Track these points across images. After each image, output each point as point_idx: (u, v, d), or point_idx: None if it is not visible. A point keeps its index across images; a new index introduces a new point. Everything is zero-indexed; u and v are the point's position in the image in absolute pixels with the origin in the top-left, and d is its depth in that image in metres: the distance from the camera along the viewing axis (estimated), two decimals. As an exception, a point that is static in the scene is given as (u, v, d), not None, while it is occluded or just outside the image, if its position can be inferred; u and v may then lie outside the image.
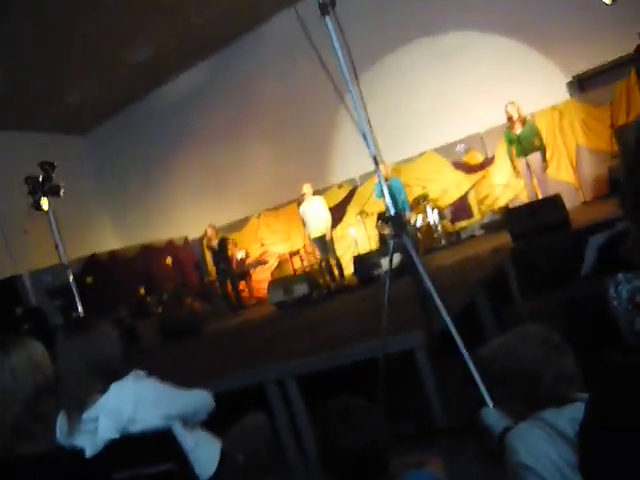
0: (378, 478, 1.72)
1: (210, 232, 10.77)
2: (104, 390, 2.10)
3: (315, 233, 9.86)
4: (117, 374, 2.14)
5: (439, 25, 10.73)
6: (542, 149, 8.47)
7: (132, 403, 2.05)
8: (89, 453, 2.04)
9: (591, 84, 9.95)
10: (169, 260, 12.20)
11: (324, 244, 9.83)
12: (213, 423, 2.41)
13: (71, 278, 7.96)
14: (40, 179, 8.00)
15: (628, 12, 5.37)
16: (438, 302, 3.19)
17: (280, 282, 9.08)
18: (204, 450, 2.22)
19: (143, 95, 13.35)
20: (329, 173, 11.99)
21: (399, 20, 10.92)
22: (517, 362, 1.69)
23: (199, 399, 2.32)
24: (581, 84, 10.10)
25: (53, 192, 8.11)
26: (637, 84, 8.64)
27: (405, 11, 10.85)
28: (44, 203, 8.03)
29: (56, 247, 7.97)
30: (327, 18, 3.36)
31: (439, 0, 10.60)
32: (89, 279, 10.66)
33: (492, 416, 2.05)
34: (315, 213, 9.79)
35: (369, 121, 3.47)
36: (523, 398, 1.69)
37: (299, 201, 10.45)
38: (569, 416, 1.53)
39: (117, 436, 2.04)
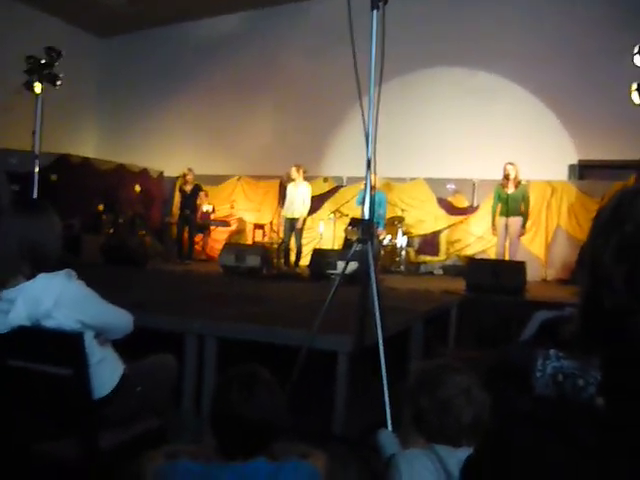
0: (258, 453, 1.72)
1: (188, 175, 10.64)
2: (31, 276, 2.06)
3: (290, 214, 9.84)
4: (47, 264, 2.10)
5: (473, 61, 10.82)
6: (525, 216, 8.61)
7: (54, 298, 2.02)
8: (-6, 331, 2.01)
9: (591, 174, 10.14)
10: (138, 188, 12.02)
11: (293, 227, 9.82)
12: (124, 350, 2.39)
13: (37, 169, 7.81)
14: (42, 62, 7.84)
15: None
16: (377, 317, 3.21)
17: (235, 247, 9.06)
18: (106, 369, 2.20)
19: (177, 21, 13.13)
20: (320, 163, 11.97)
21: (438, 42, 10.96)
22: (431, 392, 1.71)
23: (119, 317, 2.29)
24: (582, 171, 10.29)
25: (50, 79, 7.95)
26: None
27: (446, 35, 10.90)
28: (37, 86, 7.86)
29: (33, 133, 7.80)
30: (375, 12, 3.34)
31: (480, 37, 10.67)
32: (54, 177, 10.43)
33: (387, 438, 2.06)
34: (299, 196, 9.79)
35: (376, 127, 3.46)
36: (427, 428, 1.71)
37: (282, 179, 10.41)
38: (461, 457, 1.55)
39: (28, 324, 2.01)
